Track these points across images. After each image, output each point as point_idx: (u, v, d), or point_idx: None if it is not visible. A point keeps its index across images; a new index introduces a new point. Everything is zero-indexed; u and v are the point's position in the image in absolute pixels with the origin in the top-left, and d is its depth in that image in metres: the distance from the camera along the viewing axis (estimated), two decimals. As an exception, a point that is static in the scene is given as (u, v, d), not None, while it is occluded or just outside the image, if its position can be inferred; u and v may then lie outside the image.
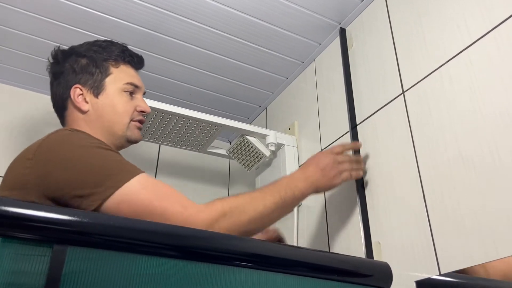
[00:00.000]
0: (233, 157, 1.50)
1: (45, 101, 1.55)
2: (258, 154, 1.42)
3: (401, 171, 1.00)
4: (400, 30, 1.11)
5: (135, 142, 1.01)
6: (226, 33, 1.36)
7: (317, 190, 0.97)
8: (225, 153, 1.53)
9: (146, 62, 1.46)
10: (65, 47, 1.00)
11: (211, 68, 1.52)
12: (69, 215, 0.59)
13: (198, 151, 1.50)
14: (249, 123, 1.80)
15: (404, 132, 1.01)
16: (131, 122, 0.98)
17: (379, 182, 1.05)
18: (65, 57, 0.98)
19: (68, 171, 0.76)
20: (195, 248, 0.68)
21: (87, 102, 0.95)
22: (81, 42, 1.02)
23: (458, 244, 0.82)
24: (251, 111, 1.77)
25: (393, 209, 0.99)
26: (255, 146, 1.40)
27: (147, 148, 1.72)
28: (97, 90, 0.96)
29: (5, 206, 0.55)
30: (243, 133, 1.41)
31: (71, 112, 0.96)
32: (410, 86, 1.03)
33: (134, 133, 0.99)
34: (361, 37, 1.26)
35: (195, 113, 1.32)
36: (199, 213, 0.78)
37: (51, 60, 1.00)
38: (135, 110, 0.99)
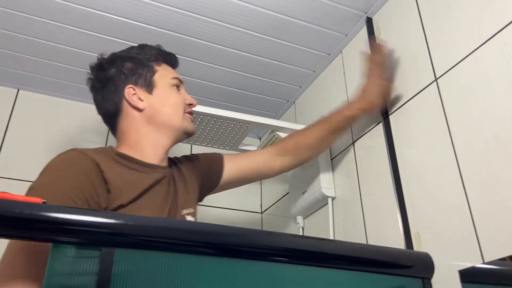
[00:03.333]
0: (265, 154, 1.51)
1: (82, 109, 1.61)
2: (290, 149, 1.42)
3: (437, 160, 0.98)
4: (429, 15, 1.09)
5: (191, 133, 1.06)
6: (251, 30, 1.37)
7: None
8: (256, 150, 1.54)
9: (175, 65, 1.50)
10: (105, 56, 1.04)
11: (238, 67, 1.53)
12: (114, 219, 0.61)
13: (230, 149, 1.52)
14: (278, 118, 1.81)
15: (439, 120, 0.99)
16: (185, 113, 1.04)
17: (415, 172, 1.04)
18: (110, 64, 1.02)
19: None
20: (235, 245, 0.70)
21: (142, 100, 0.99)
22: (114, 49, 1.06)
23: (501, 230, 0.80)
24: (279, 107, 1.77)
25: (431, 199, 0.98)
26: (286, 142, 1.40)
27: (179, 149, 1.75)
28: (149, 87, 1.01)
29: (53, 212, 0.58)
30: (273, 129, 1.42)
31: (127, 115, 0.99)
32: (443, 72, 1.01)
33: (190, 124, 1.05)
34: (389, 26, 1.24)
35: (225, 112, 1.33)
36: None
37: (96, 69, 1.03)
38: (184, 103, 1.05)
